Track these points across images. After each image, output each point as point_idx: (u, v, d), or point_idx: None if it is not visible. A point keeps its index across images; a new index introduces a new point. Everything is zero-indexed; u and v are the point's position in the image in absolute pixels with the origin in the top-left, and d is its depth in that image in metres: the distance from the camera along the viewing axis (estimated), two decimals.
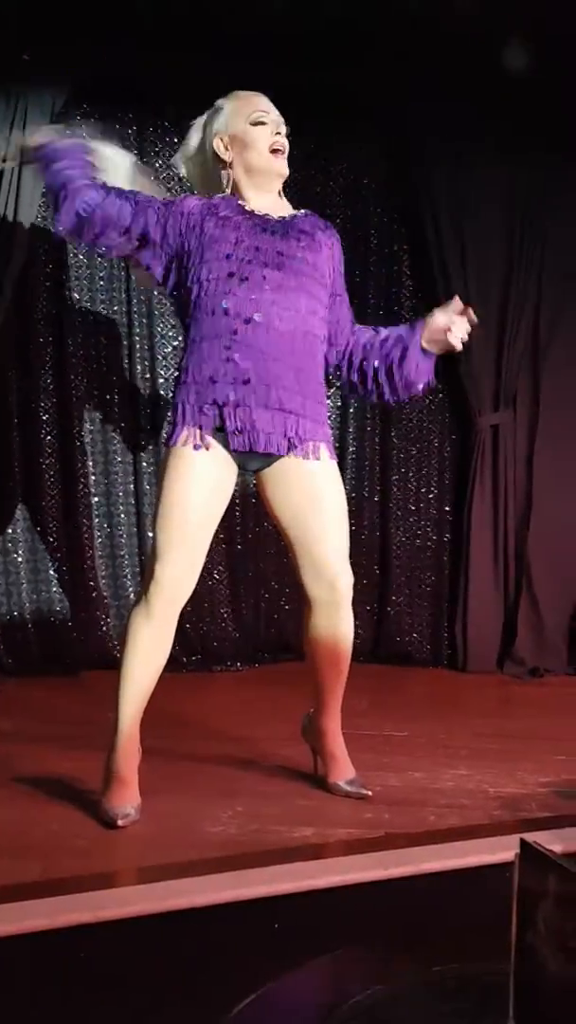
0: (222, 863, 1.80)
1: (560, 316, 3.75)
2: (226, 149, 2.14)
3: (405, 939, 1.52)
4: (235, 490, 2.17)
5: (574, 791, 2.27)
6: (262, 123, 2.13)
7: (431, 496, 3.85)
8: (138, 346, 3.58)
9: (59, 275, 3.48)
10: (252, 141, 2.12)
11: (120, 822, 1.97)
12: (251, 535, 3.72)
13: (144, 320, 3.58)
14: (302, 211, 2.22)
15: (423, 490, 3.86)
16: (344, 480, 3.73)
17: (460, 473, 3.80)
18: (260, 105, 2.15)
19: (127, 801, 2.02)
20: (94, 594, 3.51)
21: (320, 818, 2.06)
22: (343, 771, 2.22)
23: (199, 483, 2.05)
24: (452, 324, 2.16)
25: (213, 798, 2.16)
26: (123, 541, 3.60)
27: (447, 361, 3.70)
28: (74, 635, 3.48)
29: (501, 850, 1.87)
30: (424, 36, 3.14)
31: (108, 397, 3.59)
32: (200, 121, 2.21)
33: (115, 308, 3.57)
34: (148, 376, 3.61)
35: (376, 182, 3.72)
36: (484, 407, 3.69)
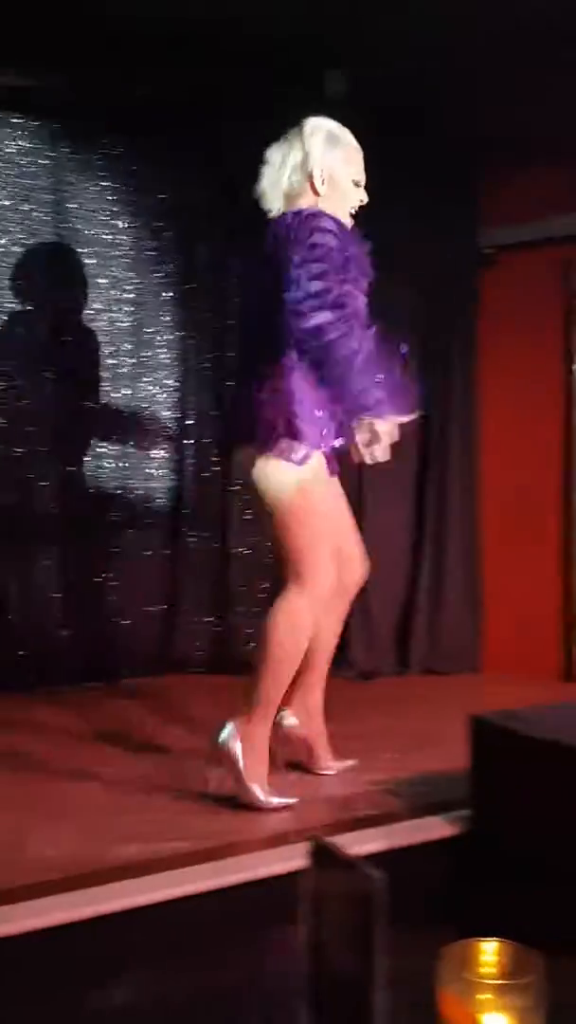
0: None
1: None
2: (322, 183, 2.30)
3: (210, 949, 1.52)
4: None
5: (402, 788, 2.33)
6: (359, 186, 2.36)
7: None
8: None
9: None
10: (344, 196, 2.33)
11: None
12: None
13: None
14: None
15: None
16: (184, 493, 3.85)
17: None
18: (362, 166, 2.37)
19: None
20: None
21: (149, 835, 2.03)
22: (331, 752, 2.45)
23: None
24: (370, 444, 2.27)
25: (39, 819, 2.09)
26: None
27: None
28: None
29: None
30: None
31: None
32: (308, 140, 2.30)
33: None
34: None
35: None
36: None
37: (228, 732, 2.18)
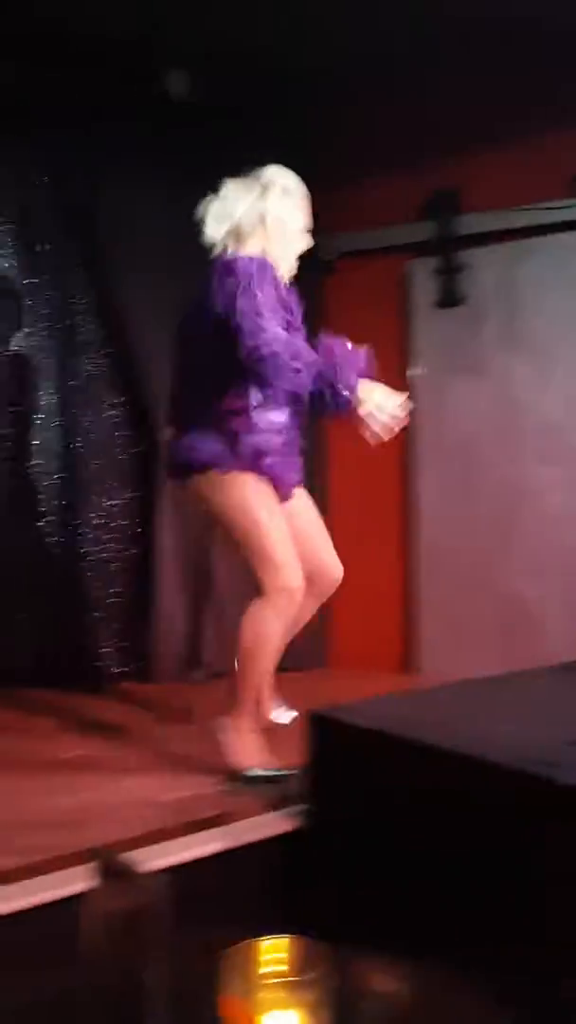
0: None
1: None
2: (273, 228, 2.50)
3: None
4: None
5: (242, 786, 2.37)
6: (305, 232, 2.58)
7: (115, 509, 3.86)
8: None
9: None
10: (291, 241, 2.56)
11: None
12: None
13: None
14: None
15: (108, 503, 3.86)
16: (25, 495, 3.75)
17: (147, 486, 3.83)
18: (308, 212, 2.58)
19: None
20: None
21: None
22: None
23: None
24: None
25: None
26: None
27: (128, 375, 3.79)
28: None
29: (160, 856, 1.93)
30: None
31: None
32: (266, 187, 2.52)
33: None
34: None
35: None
36: (164, 422, 3.77)
37: (221, 726, 2.49)
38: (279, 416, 2.48)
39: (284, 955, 0.92)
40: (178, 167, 3.67)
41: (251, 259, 2.43)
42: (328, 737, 2.09)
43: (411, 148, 3.76)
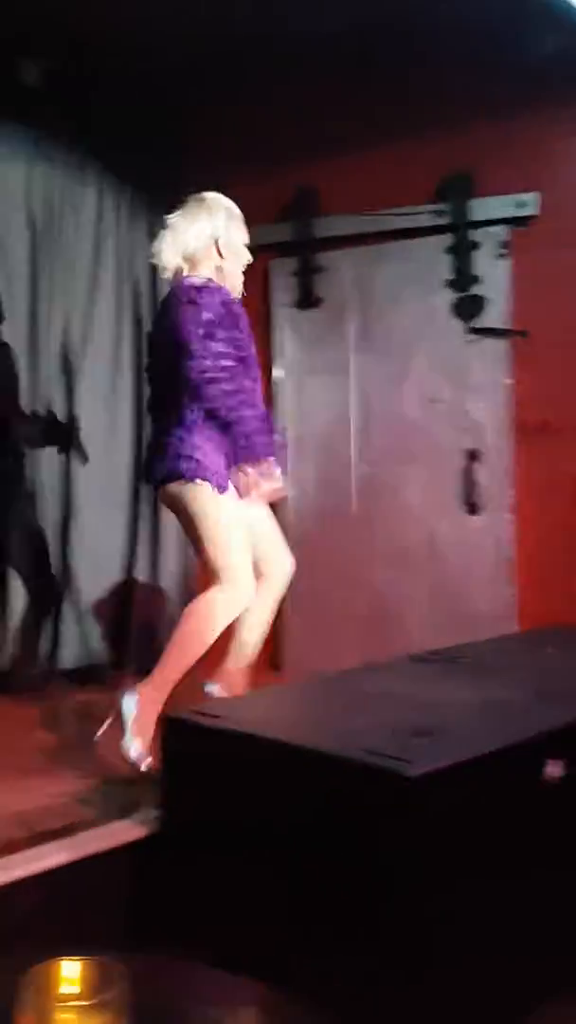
0: None
1: (90, 325, 3.85)
2: (225, 249, 2.74)
3: None
4: None
5: (92, 795, 2.33)
6: (247, 248, 2.83)
7: None
8: None
9: None
10: (239, 257, 2.81)
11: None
12: None
13: None
14: None
15: None
16: None
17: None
18: (245, 229, 2.82)
19: None
20: None
21: None
22: None
23: None
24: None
25: None
26: None
27: None
28: None
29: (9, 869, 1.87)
30: None
31: None
32: (213, 213, 2.74)
33: None
34: None
35: None
36: (15, 415, 3.68)
37: (129, 693, 2.53)
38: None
39: (80, 976, 0.90)
40: (41, 159, 3.60)
41: (205, 286, 2.65)
42: (181, 740, 2.07)
43: (274, 149, 3.78)
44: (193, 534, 2.65)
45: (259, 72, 3.26)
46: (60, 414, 3.83)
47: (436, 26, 2.91)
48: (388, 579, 3.90)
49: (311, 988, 1.18)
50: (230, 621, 2.68)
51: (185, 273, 2.70)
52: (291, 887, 1.78)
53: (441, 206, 3.74)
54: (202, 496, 2.58)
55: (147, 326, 4.06)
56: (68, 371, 3.84)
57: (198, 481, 2.57)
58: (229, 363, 2.57)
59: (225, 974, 1.08)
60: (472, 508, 3.74)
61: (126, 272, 4.03)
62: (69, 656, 3.77)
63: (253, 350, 2.75)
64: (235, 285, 2.80)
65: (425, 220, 3.80)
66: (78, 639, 3.81)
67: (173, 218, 2.76)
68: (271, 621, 2.92)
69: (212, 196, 2.83)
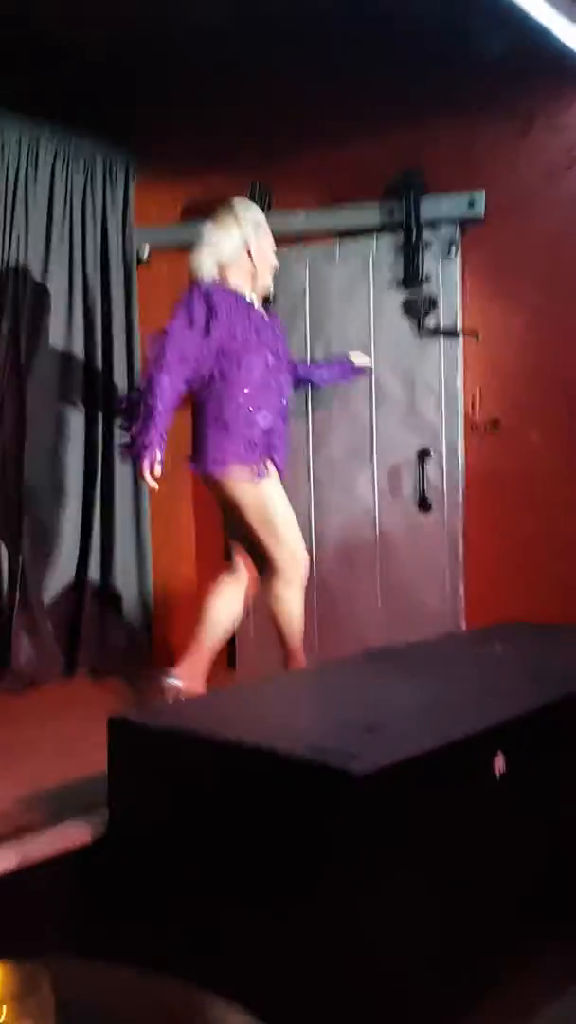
0: None
1: (39, 326, 3.80)
2: (256, 255, 3.04)
3: None
4: None
5: (39, 799, 2.29)
6: (273, 251, 3.13)
7: None
8: None
9: None
10: (267, 261, 3.10)
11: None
12: None
13: None
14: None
15: None
16: None
17: None
18: (271, 235, 3.12)
19: None
20: None
21: None
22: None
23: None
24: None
25: None
26: None
27: None
28: None
29: None
30: None
31: None
32: (244, 223, 3.02)
33: None
34: None
35: None
36: None
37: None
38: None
39: (1, 982, 0.88)
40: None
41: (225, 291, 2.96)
42: (127, 741, 2.04)
43: (226, 146, 3.75)
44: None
45: (212, 68, 3.23)
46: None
47: (389, 24, 2.91)
48: (340, 577, 3.90)
49: (251, 989, 1.17)
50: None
51: (217, 279, 2.95)
52: (237, 887, 1.76)
53: (392, 204, 3.75)
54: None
55: (97, 321, 4.03)
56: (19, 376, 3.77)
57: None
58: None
59: (158, 976, 1.06)
60: (423, 506, 3.76)
61: (77, 270, 3.98)
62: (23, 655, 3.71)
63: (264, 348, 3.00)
64: (266, 286, 3.11)
65: (376, 217, 3.80)
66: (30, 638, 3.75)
67: (206, 228, 3.01)
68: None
69: (239, 204, 3.07)
